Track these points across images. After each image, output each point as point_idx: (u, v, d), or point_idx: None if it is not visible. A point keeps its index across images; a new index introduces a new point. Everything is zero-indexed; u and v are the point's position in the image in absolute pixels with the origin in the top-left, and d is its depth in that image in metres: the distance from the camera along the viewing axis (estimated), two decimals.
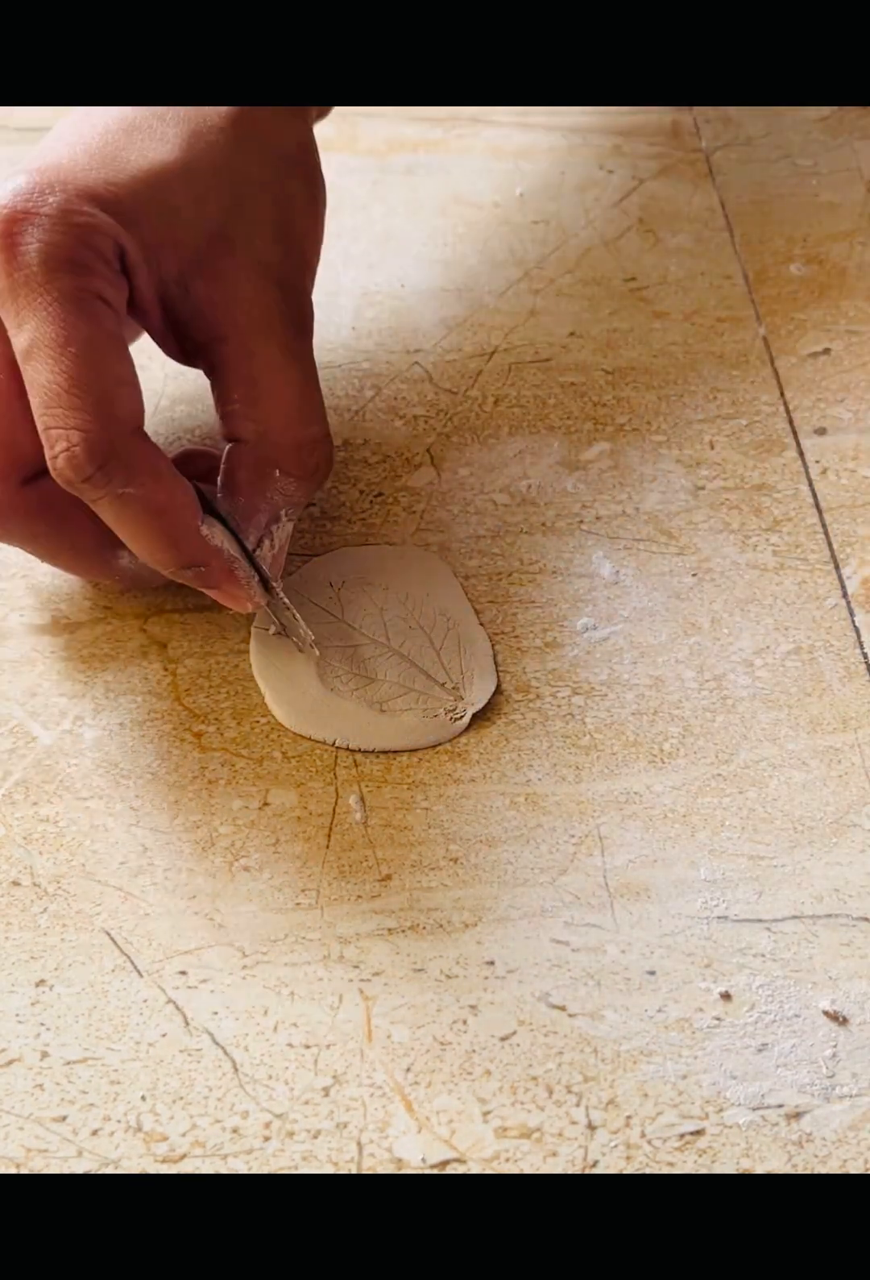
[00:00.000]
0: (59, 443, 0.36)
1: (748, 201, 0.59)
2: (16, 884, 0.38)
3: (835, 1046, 0.36)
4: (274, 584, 0.42)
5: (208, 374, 0.42)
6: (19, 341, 0.37)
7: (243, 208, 0.42)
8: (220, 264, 0.41)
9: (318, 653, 0.43)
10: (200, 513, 0.39)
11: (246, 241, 0.41)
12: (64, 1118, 0.34)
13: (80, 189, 0.38)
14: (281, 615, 0.43)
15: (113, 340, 0.37)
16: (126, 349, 0.39)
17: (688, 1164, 0.34)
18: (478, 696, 0.43)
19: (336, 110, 0.63)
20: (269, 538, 0.42)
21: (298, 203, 0.43)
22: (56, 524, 0.40)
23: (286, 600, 0.42)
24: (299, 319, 0.42)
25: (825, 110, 0.63)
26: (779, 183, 0.60)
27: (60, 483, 0.37)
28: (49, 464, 0.37)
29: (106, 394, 0.37)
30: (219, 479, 0.42)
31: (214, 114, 0.43)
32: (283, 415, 0.41)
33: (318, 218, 0.44)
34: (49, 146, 0.41)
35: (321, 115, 0.48)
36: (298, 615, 0.42)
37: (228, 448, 0.42)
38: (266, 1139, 0.34)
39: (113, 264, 0.38)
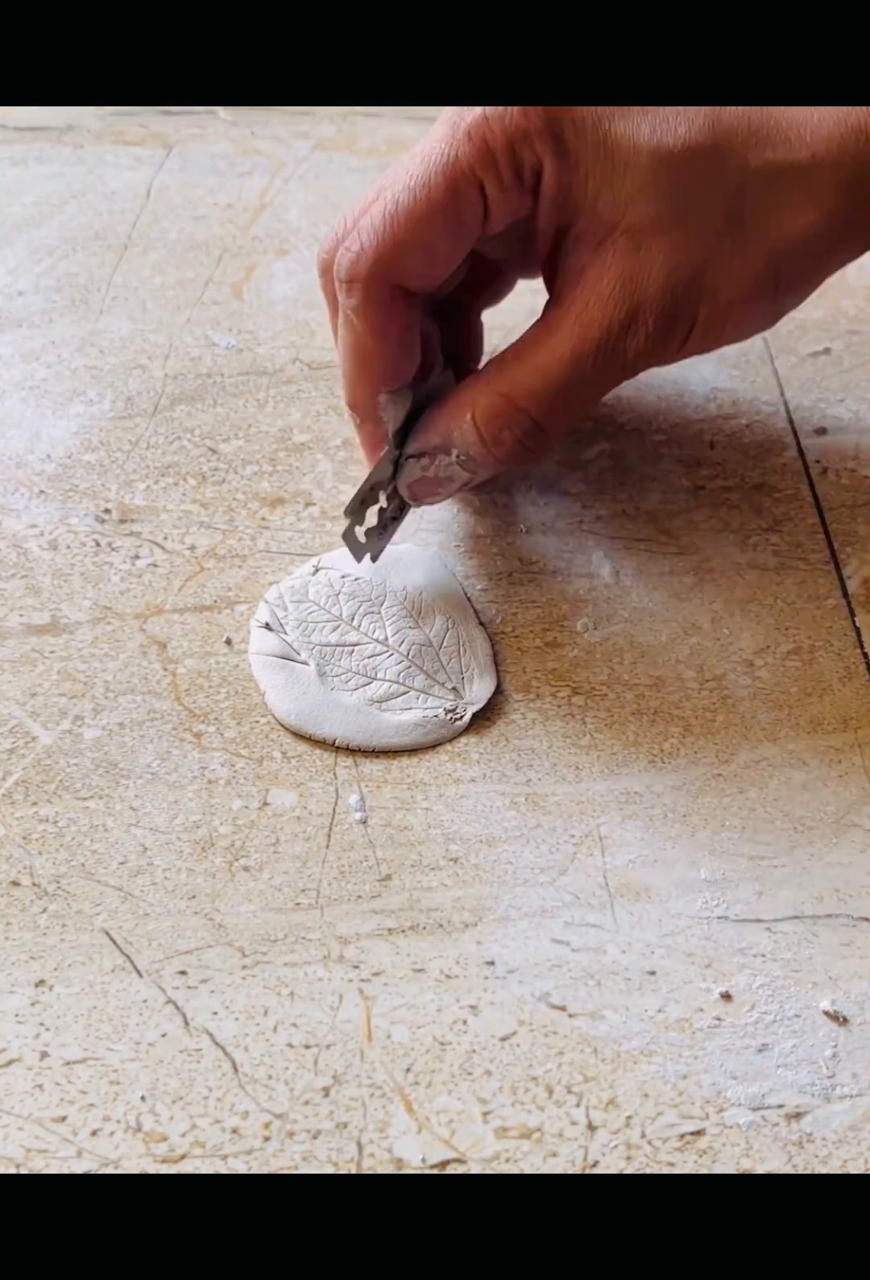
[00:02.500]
0: (350, 240, 0.41)
1: None
2: (16, 884, 0.38)
3: (835, 1046, 0.36)
4: (387, 495, 0.44)
5: (503, 290, 0.46)
6: (415, 150, 0.41)
7: (686, 222, 0.40)
8: (608, 260, 0.40)
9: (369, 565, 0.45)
10: (388, 387, 0.42)
11: (648, 258, 0.40)
12: (64, 1118, 0.34)
13: (553, 115, 0.40)
14: (374, 529, 0.44)
15: (452, 221, 0.40)
16: (460, 237, 0.41)
17: (688, 1164, 0.34)
18: (478, 696, 0.43)
19: (336, 110, 0.63)
20: (426, 459, 0.43)
21: (740, 284, 0.41)
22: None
23: (391, 515, 0.44)
24: (617, 361, 0.41)
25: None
26: None
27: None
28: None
29: (398, 243, 0.40)
30: (434, 378, 0.44)
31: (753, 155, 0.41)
32: (518, 386, 0.42)
33: (743, 315, 0.42)
34: None
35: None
36: (386, 532, 0.44)
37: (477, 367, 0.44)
38: (266, 1139, 0.34)
39: (521, 180, 0.40)
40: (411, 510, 0.46)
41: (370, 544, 0.44)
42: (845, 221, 0.41)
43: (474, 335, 0.48)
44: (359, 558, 0.44)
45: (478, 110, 0.40)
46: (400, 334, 0.42)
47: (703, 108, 0.40)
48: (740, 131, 0.40)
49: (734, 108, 0.40)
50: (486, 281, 0.47)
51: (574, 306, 0.41)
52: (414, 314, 0.42)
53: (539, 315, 0.42)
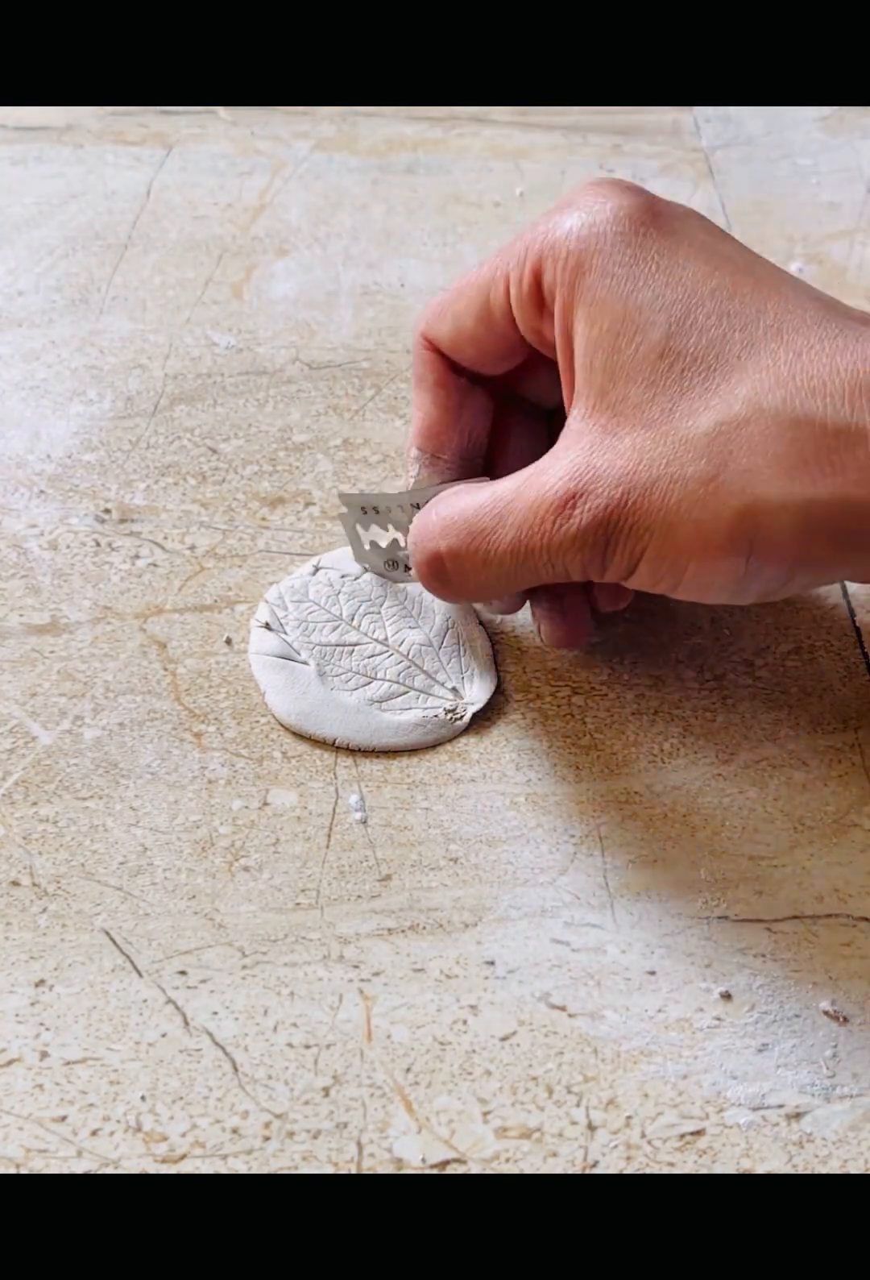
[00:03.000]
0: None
1: (748, 201, 0.59)
2: (16, 884, 0.38)
3: (835, 1046, 0.36)
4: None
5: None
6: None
7: (670, 426, 0.35)
8: (594, 427, 0.37)
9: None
10: (419, 443, 0.43)
11: (618, 450, 0.36)
12: (64, 1118, 0.34)
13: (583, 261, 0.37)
14: (387, 558, 0.44)
15: (480, 301, 0.40)
16: (486, 320, 0.41)
17: (688, 1164, 0.34)
18: (478, 696, 0.43)
19: (336, 110, 0.63)
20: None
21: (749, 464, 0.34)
22: None
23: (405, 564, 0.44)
24: (539, 537, 0.37)
25: (825, 110, 0.63)
26: (779, 183, 0.60)
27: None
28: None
29: (439, 305, 0.42)
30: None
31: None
32: (446, 511, 0.39)
33: (703, 564, 0.35)
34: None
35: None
36: (397, 570, 0.44)
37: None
38: (266, 1139, 0.34)
39: (539, 294, 0.39)
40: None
41: (371, 557, 0.45)
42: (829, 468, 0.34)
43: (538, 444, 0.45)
44: (358, 558, 0.45)
45: (552, 219, 0.38)
46: (433, 389, 0.42)
47: (738, 324, 0.35)
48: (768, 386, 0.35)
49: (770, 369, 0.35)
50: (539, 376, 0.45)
51: (540, 464, 0.37)
52: (455, 381, 0.42)
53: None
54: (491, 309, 0.40)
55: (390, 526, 0.44)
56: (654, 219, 0.37)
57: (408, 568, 0.44)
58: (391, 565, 0.44)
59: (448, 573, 0.39)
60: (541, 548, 0.37)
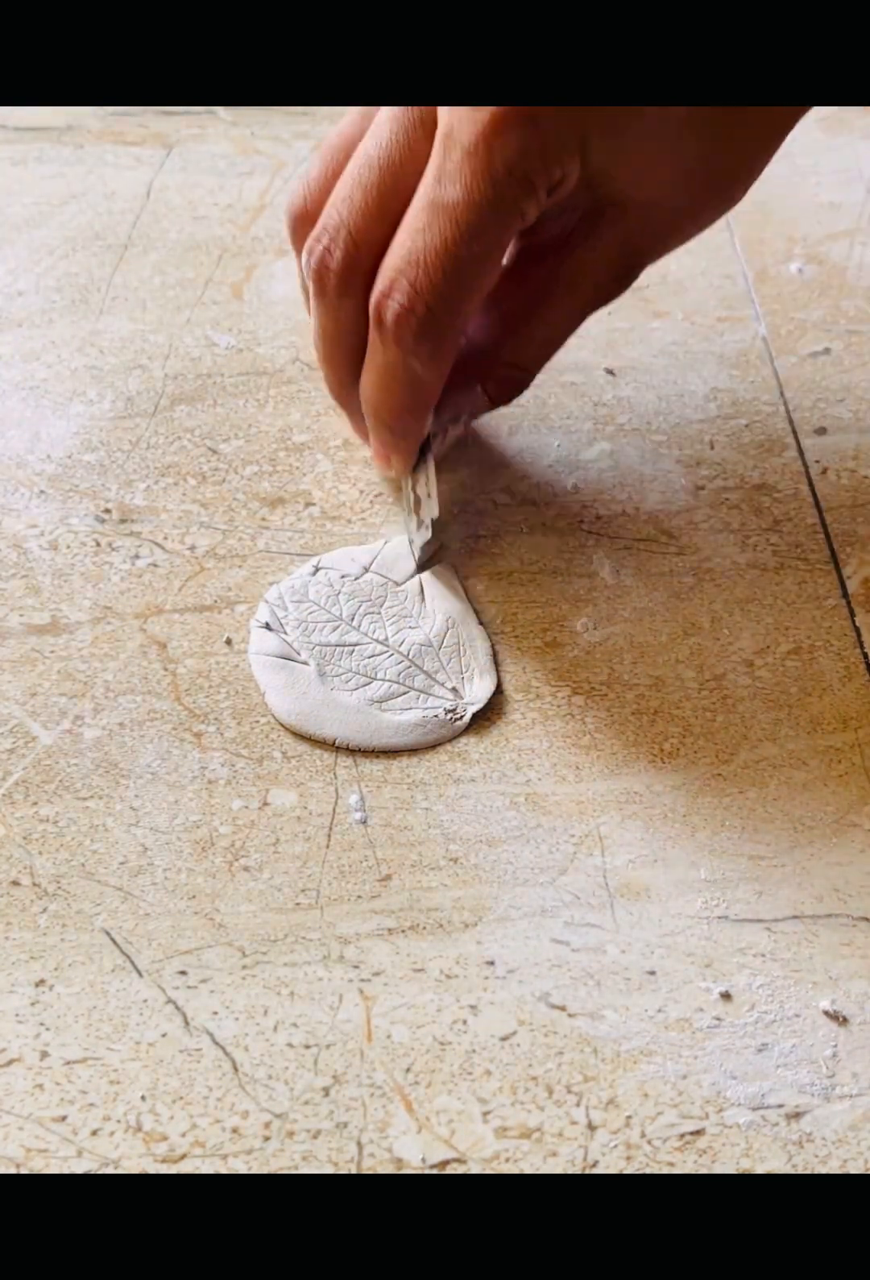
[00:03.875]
0: (404, 294, 0.40)
1: (748, 201, 0.59)
2: (16, 884, 0.38)
3: (835, 1046, 0.36)
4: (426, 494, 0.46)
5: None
6: (437, 193, 0.40)
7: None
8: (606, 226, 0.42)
9: (428, 538, 0.46)
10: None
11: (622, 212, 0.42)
12: (64, 1118, 0.34)
13: (572, 117, 0.40)
14: (414, 505, 0.46)
15: (499, 256, 0.41)
16: (499, 265, 0.42)
17: (688, 1164, 0.34)
18: (478, 696, 0.43)
19: (336, 110, 0.63)
20: (443, 434, 0.46)
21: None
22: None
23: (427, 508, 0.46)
24: (600, 283, 0.44)
25: (825, 110, 0.63)
26: (779, 183, 0.60)
27: (372, 302, 0.41)
28: (375, 291, 0.41)
29: (468, 293, 0.41)
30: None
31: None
32: (519, 342, 0.44)
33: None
34: None
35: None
36: (423, 510, 0.46)
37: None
38: (266, 1139, 0.34)
39: (546, 193, 0.40)
40: (434, 519, 0.46)
41: (426, 545, 0.46)
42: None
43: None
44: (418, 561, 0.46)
45: (512, 143, 0.39)
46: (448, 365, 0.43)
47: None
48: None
49: None
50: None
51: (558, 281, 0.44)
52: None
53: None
54: (503, 254, 0.42)
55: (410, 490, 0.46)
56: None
57: (426, 497, 0.46)
58: (424, 527, 0.46)
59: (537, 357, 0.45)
60: (507, 210, 0.40)
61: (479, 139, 0.39)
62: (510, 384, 0.46)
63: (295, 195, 0.44)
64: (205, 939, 0.37)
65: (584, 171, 0.41)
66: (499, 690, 0.43)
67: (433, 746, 0.42)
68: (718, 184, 0.43)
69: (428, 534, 0.45)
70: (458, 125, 0.40)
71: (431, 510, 0.45)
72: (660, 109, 0.40)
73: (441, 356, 0.42)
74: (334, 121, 0.63)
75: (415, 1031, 0.36)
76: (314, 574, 0.45)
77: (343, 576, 0.45)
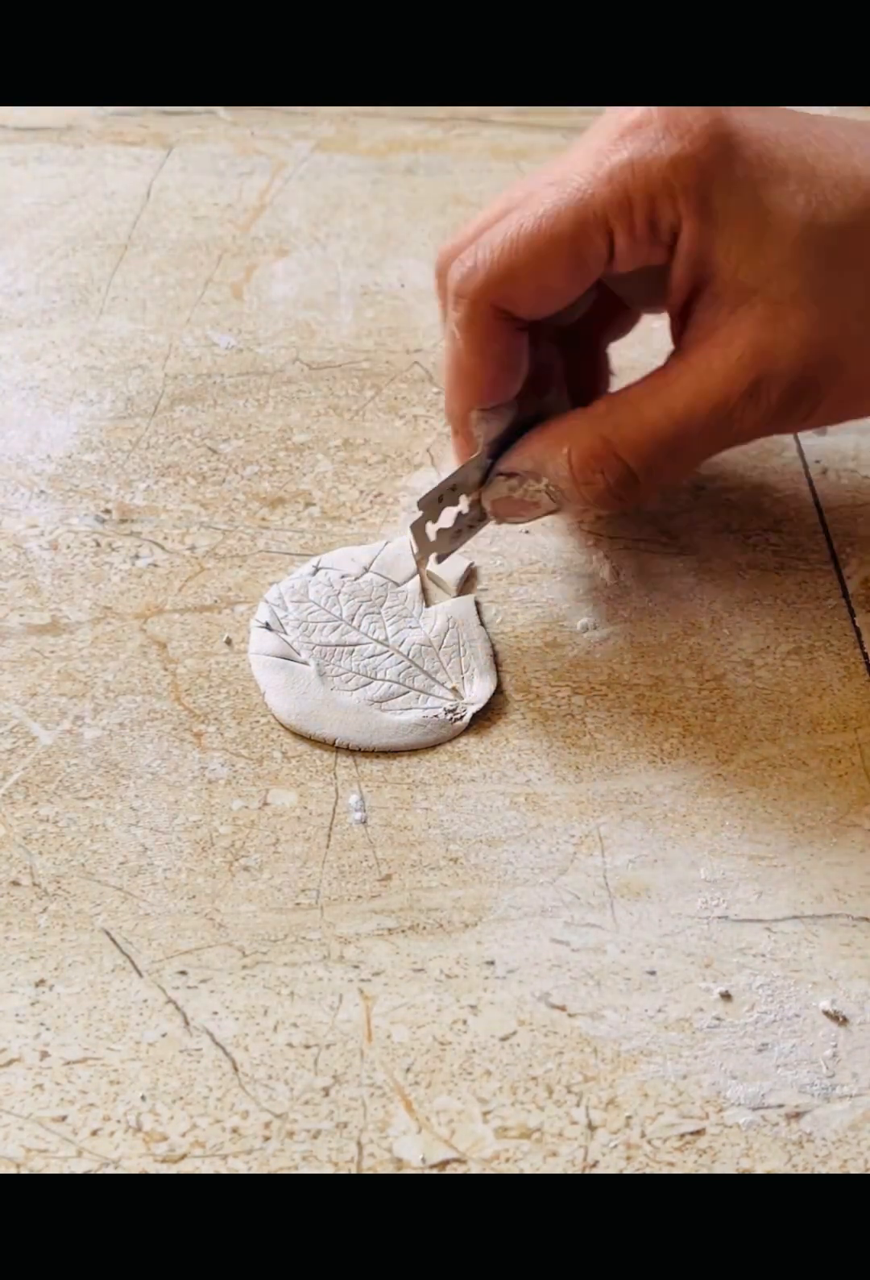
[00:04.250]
0: (467, 254, 0.40)
1: None
2: (16, 884, 0.38)
3: (835, 1046, 0.36)
4: (470, 502, 0.44)
5: (629, 323, 0.45)
6: (553, 175, 0.40)
7: (829, 299, 0.39)
8: (742, 325, 0.39)
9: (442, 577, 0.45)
10: (482, 405, 0.42)
11: (785, 330, 0.39)
12: (64, 1118, 0.34)
13: (704, 174, 0.38)
14: (448, 531, 0.44)
15: (572, 261, 0.40)
16: (579, 277, 0.40)
17: (688, 1164, 0.34)
18: (478, 696, 0.43)
19: (336, 109, 0.63)
20: (515, 480, 0.42)
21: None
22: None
23: (468, 522, 0.44)
24: (730, 429, 0.40)
25: (825, 110, 0.63)
26: None
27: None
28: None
29: (512, 270, 0.40)
30: (539, 402, 0.43)
31: None
32: (620, 432, 0.40)
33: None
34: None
35: None
36: (460, 537, 0.44)
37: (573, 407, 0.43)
38: (266, 1139, 0.34)
39: (656, 234, 0.39)
40: (489, 524, 0.45)
41: (439, 544, 0.44)
42: None
43: (598, 367, 0.47)
44: (424, 554, 0.44)
45: (626, 152, 0.39)
46: (500, 356, 0.41)
47: (859, 183, 0.39)
48: None
49: None
50: (613, 313, 0.46)
51: (697, 364, 0.39)
52: (519, 339, 0.41)
53: (662, 364, 0.41)
54: (585, 263, 0.40)
55: (462, 498, 0.44)
56: (733, 120, 0.39)
57: (473, 524, 0.44)
58: (456, 535, 0.44)
59: (637, 484, 0.41)
60: (731, 434, 0.40)
61: (608, 137, 0.39)
62: (598, 462, 0.41)
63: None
64: (205, 939, 0.37)
65: (703, 235, 0.39)
66: (499, 690, 0.43)
67: (433, 746, 0.42)
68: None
69: (456, 541, 0.44)
70: (607, 125, 0.40)
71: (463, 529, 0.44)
72: (811, 190, 0.38)
73: (474, 329, 0.40)
74: (334, 121, 0.63)
75: (415, 1031, 0.36)
76: (314, 574, 0.45)
77: (343, 576, 0.45)
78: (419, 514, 0.43)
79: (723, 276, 0.39)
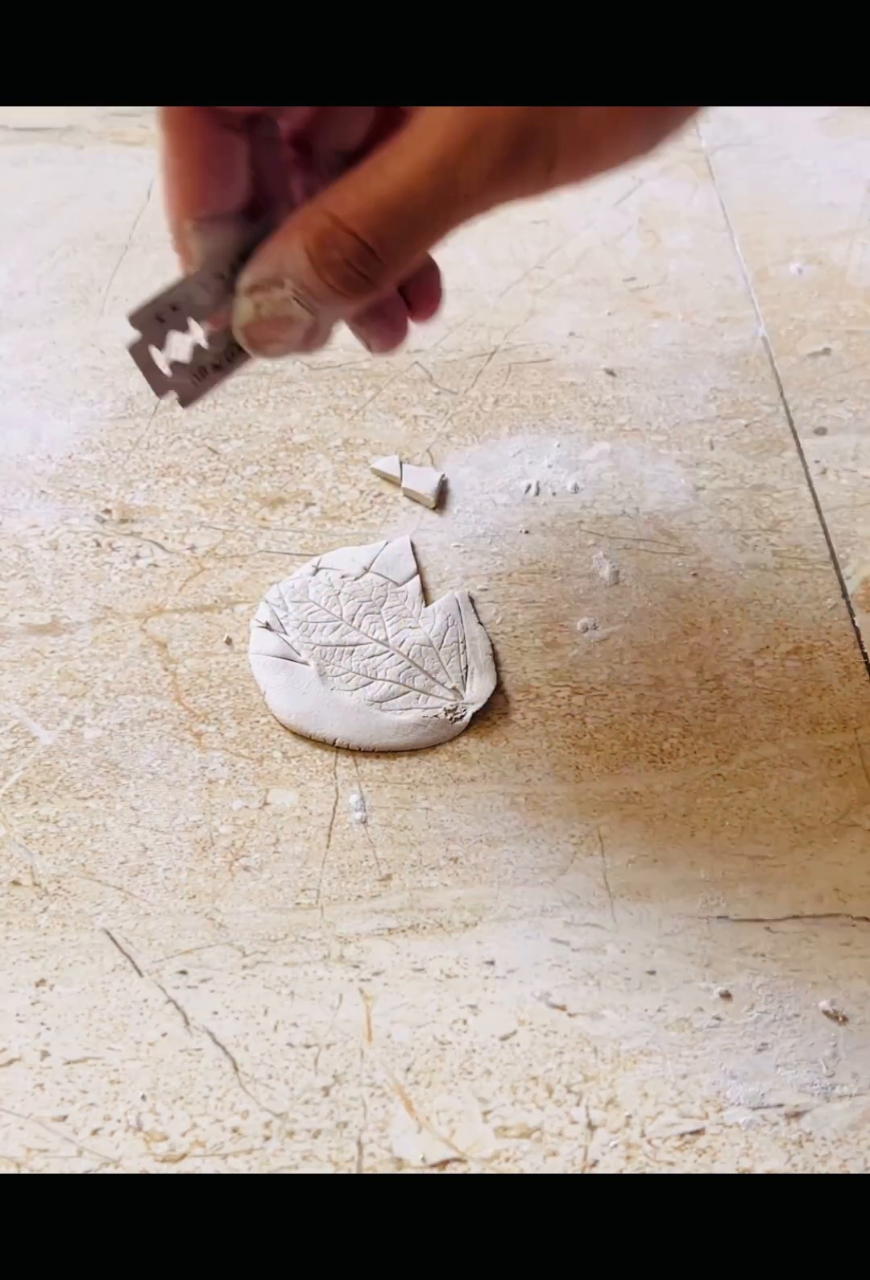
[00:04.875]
0: None
1: (748, 202, 0.59)
2: (16, 884, 0.38)
3: (835, 1046, 0.36)
4: (211, 338, 0.39)
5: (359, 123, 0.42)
6: None
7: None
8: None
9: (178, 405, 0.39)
10: (194, 213, 0.38)
11: None
12: (64, 1117, 0.34)
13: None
14: (189, 365, 0.39)
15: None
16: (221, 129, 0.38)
17: (688, 1164, 0.34)
18: (478, 696, 0.43)
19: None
20: (259, 294, 0.38)
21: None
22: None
23: (213, 361, 0.39)
24: (457, 185, 0.37)
25: (825, 110, 0.63)
26: (779, 183, 0.60)
27: None
28: None
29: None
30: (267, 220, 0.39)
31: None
32: (347, 207, 0.38)
33: (614, 132, 0.39)
34: None
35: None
36: (206, 378, 0.39)
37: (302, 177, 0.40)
38: (266, 1139, 0.34)
39: None
40: (243, 362, 0.39)
41: (180, 383, 0.38)
42: None
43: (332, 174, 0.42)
44: (160, 391, 0.38)
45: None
46: (205, 156, 0.39)
47: None
48: None
49: None
50: (338, 116, 0.43)
51: (415, 127, 0.37)
52: (227, 139, 0.39)
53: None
54: None
55: (192, 323, 0.38)
56: None
57: (221, 363, 0.39)
58: (200, 373, 0.39)
59: (378, 261, 0.38)
60: (462, 195, 0.37)
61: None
62: (332, 240, 0.38)
63: None
64: (205, 939, 0.38)
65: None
66: (499, 690, 0.43)
67: (433, 746, 0.42)
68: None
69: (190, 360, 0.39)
70: None
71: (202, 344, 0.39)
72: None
73: (170, 124, 0.39)
74: None
75: (415, 1031, 0.36)
76: (314, 574, 0.45)
77: (343, 576, 0.45)
78: (136, 335, 0.37)
79: None
